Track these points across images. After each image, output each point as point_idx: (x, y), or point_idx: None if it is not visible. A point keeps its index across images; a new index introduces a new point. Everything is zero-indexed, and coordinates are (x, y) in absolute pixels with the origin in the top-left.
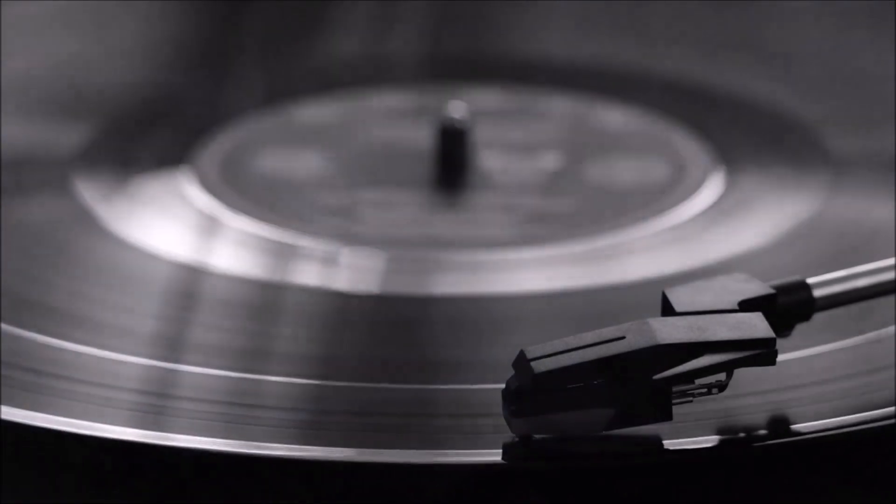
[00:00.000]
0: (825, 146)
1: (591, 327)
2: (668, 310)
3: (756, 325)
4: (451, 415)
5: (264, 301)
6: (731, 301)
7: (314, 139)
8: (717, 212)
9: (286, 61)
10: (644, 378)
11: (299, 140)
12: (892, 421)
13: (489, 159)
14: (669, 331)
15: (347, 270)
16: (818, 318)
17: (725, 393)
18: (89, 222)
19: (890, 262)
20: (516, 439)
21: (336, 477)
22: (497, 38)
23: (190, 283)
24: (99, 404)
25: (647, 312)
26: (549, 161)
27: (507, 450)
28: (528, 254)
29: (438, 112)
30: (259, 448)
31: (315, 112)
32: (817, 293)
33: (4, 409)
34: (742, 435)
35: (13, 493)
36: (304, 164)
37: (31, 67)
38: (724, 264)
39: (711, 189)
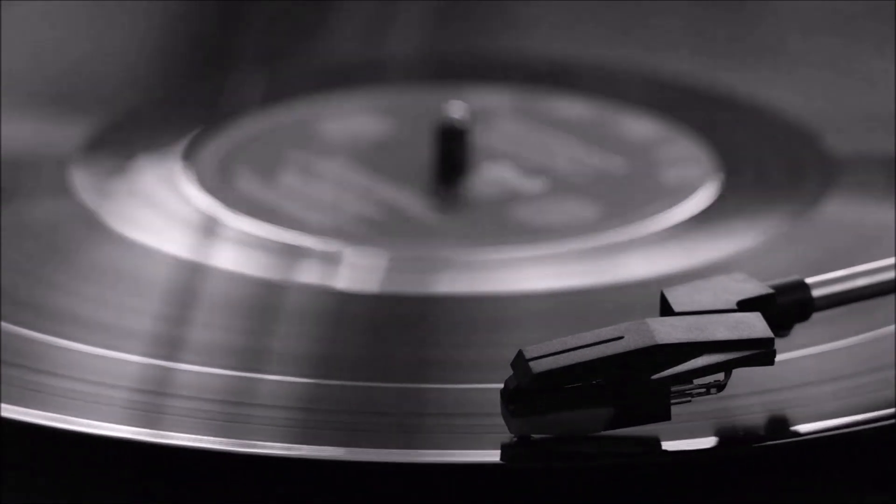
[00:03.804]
0: (824, 146)
1: (589, 327)
2: (666, 310)
3: (754, 325)
4: (449, 414)
5: (263, 300)
6: (730, 301)
7: (314, 139)
8: (715, 211)
9: (286, 61)
10: (642, 378)
11: (299, 140)
12: (892, 421)
13: (489, 159)
14: (668, 331)
15: (347, 270)
16: (817, 317)
17: (724, 393)
18: (88, 221)
19: (889, 261)
20: (515, 439)
21: (334, 476)
22: (497, 37)
23: (189, 282)
24: (98, 403)
25: (646, 312)
26: (549, 160)
27: (506, 450)
28: (526, 253)
29: (438, 112)
30: (258, 447)
31: (315, 112)
32: (816, 293)
33: (4, 408)
34: (741, 435)
35: (13, 492)
36: (303, 163)
37: (30, 67)
38: (723, 264)
39: (710, 189)
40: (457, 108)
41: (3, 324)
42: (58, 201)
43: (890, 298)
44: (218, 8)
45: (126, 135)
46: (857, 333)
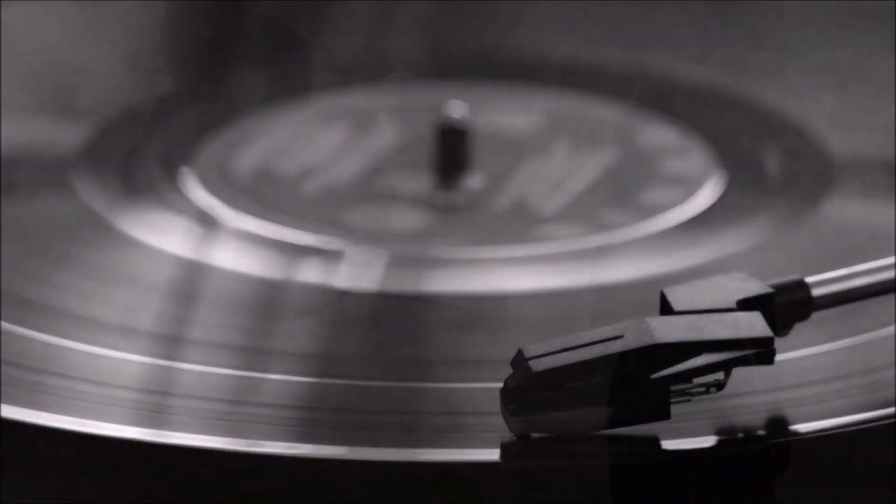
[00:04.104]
0: (824, 146)
1: (589, 326)
2: (666, 309)
3: (754, 325)
4: (449, 413)
5: (264, 299)
6: (730, 300)
7: (314, 138)
8: (715, 212)
9: (286, 61)
10: (642, 377)
11: (299, 139)
12: (892, 421)
13: (489, 159)
14: (668, 330)
15: (347, 269)
16: (817, 317)
17: (723, 392)
18: (89, 221)
19: (888, 261)
20: (514, 438)
21: (334, 475)
22: (498, 36)
23: (190, 281)
24: (99, 403)
25: (646, 311)
26: (549, 160)
27: (506, 449)
28: (526, 252)
29: (438, 112)
30: (259, 446)
31: (315, 111)
32: (815, 292)
33: (4, 408)
34: (740, 434)
35: (13, 492)
36: (304, 162)
37: (30, 67)
38: (723, 263)
39: (710, 188)
40: (457, 108)
41: (3, 324)
42: (58, 201)
43: (890, 298)
44: (218, 8)
45: (127, 134)
46: (857, 333)
